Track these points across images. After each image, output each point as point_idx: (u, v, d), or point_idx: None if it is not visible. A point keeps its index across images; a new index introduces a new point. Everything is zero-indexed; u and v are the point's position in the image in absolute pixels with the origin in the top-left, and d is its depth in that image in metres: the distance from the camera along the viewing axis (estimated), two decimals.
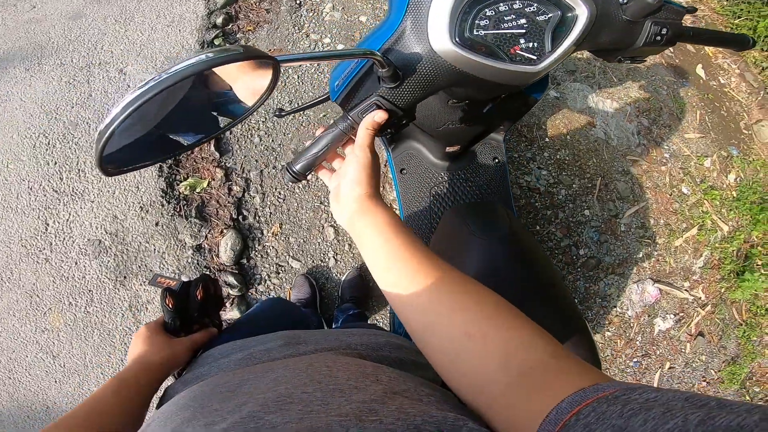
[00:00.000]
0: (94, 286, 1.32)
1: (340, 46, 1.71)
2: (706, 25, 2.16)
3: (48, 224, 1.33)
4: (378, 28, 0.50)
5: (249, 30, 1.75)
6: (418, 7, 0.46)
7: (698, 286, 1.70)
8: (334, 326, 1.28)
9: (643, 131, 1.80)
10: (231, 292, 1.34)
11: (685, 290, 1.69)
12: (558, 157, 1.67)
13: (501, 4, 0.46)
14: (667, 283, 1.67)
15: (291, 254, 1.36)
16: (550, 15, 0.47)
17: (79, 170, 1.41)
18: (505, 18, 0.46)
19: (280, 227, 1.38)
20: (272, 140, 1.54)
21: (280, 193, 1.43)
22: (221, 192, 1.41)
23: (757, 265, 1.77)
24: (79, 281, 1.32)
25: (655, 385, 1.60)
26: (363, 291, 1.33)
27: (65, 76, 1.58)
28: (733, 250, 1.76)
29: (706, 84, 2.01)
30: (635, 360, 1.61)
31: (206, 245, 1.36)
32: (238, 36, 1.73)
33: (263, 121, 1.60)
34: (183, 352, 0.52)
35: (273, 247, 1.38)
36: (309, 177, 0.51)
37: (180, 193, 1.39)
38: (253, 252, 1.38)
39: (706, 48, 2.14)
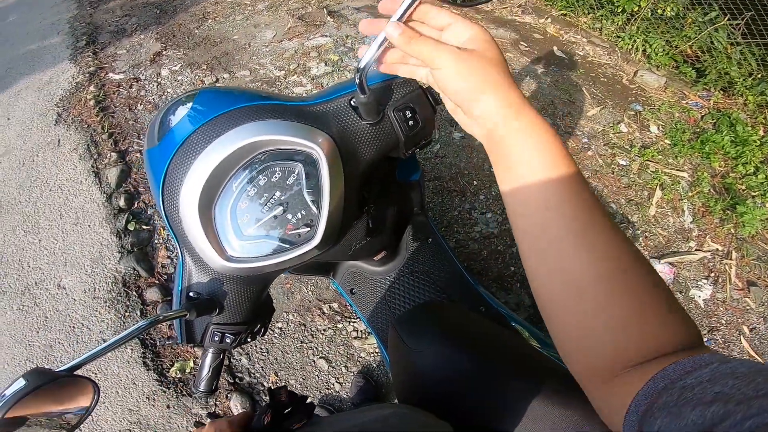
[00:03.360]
0: None
1: None
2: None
3: (80, 428, 1.28)
4: (174, 278, 0.49)
5: None
6: (184, 240, 0.42)
7: (704, 239, 1.53)
8: None
9: None
10: None
11: (696, 250, 1.50)
12: (494, 193, 1.55)
13: (249, 188, 0.40)
14: (672, 253, 1.48)
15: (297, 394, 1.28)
16: (296, 171, 0.41)
17: None
18: (260, 202, 0.41)
19: (276, 375, 1.39)
20: None
21: (262, 348, 1.43)
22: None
23: (742, 191, 1.63)
24: None
25: (751, 352, 1.36)
26: (373, 393, 1.32)
27: (14, 304, 1.56)
28: (709, 190, 1.62)
29: (571, 61, 2.07)
30: (706, 339, 1.36)
31: (219, 411, 1.41)
32: (149, 212, 1.66)
33: None
34: None
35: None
36: (218, 386, 0.52)
37: (173, 377, 1.43)
38: (263, 403, 1.29)
39: (549, 30, 2.30)
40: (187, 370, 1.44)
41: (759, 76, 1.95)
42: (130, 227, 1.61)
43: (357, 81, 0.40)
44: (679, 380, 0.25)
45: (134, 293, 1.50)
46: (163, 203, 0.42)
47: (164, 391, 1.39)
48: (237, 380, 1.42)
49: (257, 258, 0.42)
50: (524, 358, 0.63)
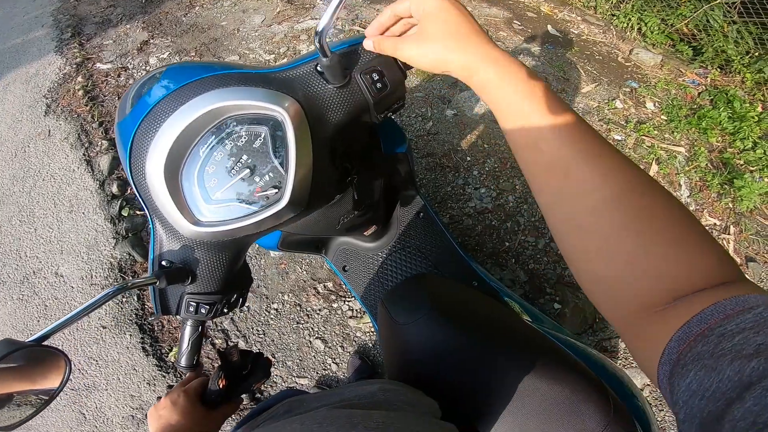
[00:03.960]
0: None
1: None
2: None
3: (84, 414, 1.43)
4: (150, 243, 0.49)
5: None
6: (153, 207, 0.43)
7: (702, 214, 1.53)
8: None
9: None
10: None
11: None
12: (487, 169, 1.57)
13: (215, 153, 0.42)
14: None
15: (295, 375, 1.40)
16: (262, 134, 0.42)
17: (78, 369, 1.48)
18: (227, 166, 0.42)
19: (274, 357, 1.42)
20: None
21: (258, 330, 1.46)
22: (206, 349, 1.46)
23: (740, 165, 1.64)
24: None
25: None
26: (369, 372, 1.34)
27: (14, 294, 1.60)
28: (706, 164, 1.63)
29: (565, 40, 2.08)
30: None
31: None
32: None
33: None
34: (215, 428, 0.53)
35: (277, 375, 1.42)
36: (200, 361, 0.52)
37: (172, 362, 1.46)
38: (262, 386, 1.37)
39: (543, 8, 2.29)
40: None
41: (756, 54, 1.94)
42: (124, 213, 1.63)
43: (317, 44, 0.41)
44: (717, 326, 0.22)
45: (131, 278, 1.50)
46: (131, 172, 0.43)
47: (164, 376, 1.42)
48: (234, 344, 1.44)
49: (226, 221, 0.43)
50: (515, 332, 0.62)
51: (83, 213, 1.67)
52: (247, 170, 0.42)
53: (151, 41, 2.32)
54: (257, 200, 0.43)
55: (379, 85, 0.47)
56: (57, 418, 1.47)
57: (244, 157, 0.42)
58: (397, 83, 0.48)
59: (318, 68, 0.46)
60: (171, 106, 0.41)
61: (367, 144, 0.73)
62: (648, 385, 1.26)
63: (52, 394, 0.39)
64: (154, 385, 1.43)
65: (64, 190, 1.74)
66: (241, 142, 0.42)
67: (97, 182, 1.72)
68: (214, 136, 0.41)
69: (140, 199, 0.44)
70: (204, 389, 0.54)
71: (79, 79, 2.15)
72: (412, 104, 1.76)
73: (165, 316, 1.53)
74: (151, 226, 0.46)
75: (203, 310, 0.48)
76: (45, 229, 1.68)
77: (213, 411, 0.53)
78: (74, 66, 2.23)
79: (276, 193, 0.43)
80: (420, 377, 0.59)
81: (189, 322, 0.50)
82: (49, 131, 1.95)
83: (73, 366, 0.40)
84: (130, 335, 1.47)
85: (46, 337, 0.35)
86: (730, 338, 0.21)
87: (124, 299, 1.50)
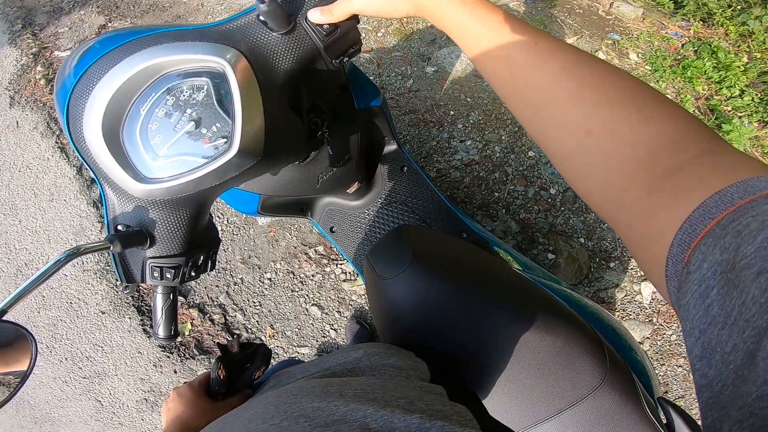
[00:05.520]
0: None
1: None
2: None
3: (100, 401, 1.47)
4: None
5: None
6: (98, 170, 0.44)
7: None
8: None
9: None
10: None
11: None
12: (471, 121, 1.60)
13: (157, 110, 0.42)
14: None
15: (295, 345, 1.43)
16: (204, 86, 0.43)
17: (86, 357, 1.51)
18: (171, 121, 0.43)
19: (272, 328, 1.44)
20: (217, 262, 1.49)
21: (255, 302, 1.49)
22: (206, 326, 1.51)
23: (728, 111, 1.71)
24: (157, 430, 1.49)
25: None
26: (368, 337, 1.36)
27: (10, 287, 1.66)
28: (693, 111, 1.71)
29: None
30: None
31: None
32: None
33: None
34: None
35: (278, 346, 1.45)
36: (178, 330, 0.52)
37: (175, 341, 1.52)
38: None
39: None
40: (186, 333, 1.54)
41: (739, 7, 1.97)
42: None
43: None
44: (730, 222, 0.17)
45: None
46: (71, 137, 0.44)
47: (168, 357, 1.49)
48: (235, 337, 1.47)
49: (175, 176, 0.43)
50: (505, 282, 0.61)
51: (65, 200, 1.70)
52: (192, 123, 0.43)
53: (109, 25, 2.28)
54: (206, 152, 0.43)
55: (326, 27, 0.47)
56: (77, 408, 1.56)
57: (188, 110, 0.43)
58: (347, 26, 0.48)
59: (261, 18, 0.45)
60: (103, 67, 0.42)
61: (338, 98, 0.74)
62: (648, 337, 1.28)
63: (24, 375, 0.38)
64: (161, 366, 1.49)
65: (41, 179, 1.76)
66: (183, 96, 0.43)
67: (74, 168, 1.74)
68: (153, 93, 0.42)
69: (86, 164, 0.45)
70: (208, 381, 0.56)
71: (39, 68, 2.14)
72: (391, 63, 1.79)
73: (143, 289, 1.53)
74: (101, 191, 0.46)
75: (168, 275, 0.47)
76: (29, 220, 1.72)
77: (220, 402, 0.55)
78: (31, 56, 2.22)
79: (225, 142, 0.44)
80: (408, 335, 0.57)
81: (159, 290, 0.49)
82: (17, 123, 1.91)
83: (39, 344, 0.38)
84: (130, 318, 1.48)
85: (3, 312, 0.34)
86: (751, 239, 0.16)
87: (117, 282, 1.48)
